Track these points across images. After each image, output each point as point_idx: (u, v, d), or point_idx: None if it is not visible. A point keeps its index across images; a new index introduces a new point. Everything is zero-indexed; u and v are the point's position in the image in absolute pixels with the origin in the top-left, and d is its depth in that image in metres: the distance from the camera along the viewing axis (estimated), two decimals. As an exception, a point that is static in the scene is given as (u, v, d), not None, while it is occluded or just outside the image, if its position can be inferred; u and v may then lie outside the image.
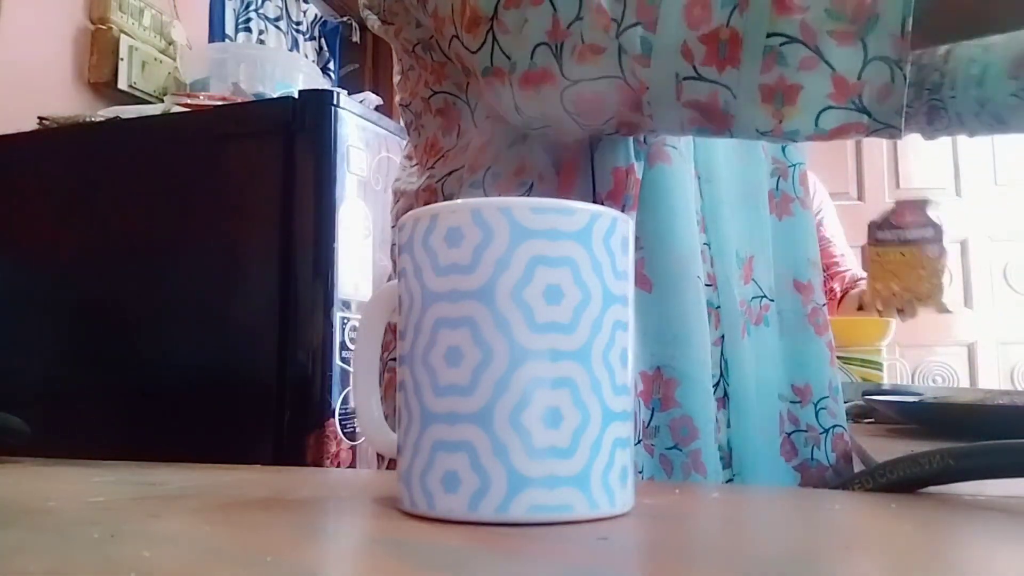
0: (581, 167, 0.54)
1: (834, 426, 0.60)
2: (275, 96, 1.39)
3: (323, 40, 2.72)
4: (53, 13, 1.57)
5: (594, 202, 0.53)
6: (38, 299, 1.24)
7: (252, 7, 2.32)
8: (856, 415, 0.86)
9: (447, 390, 0.28)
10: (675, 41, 0.42)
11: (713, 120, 0.44)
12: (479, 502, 0.27)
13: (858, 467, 0.61)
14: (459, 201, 0.29)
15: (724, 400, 0.56)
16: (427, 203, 0.60)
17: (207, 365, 1.13)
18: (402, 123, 0.69)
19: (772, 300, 0.60)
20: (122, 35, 1.64)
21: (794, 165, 0.64)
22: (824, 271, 1.51)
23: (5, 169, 1.29)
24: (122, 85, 1.63)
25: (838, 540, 0.26)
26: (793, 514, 0.32)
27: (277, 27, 2.45)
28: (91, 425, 1.14)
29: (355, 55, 2.85)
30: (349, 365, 1.11)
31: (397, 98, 0.67)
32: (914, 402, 0.82)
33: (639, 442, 0.52)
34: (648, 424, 0.53)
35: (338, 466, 1.09)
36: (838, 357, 0.65)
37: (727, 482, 0.55)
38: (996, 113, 0.68)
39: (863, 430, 0.78)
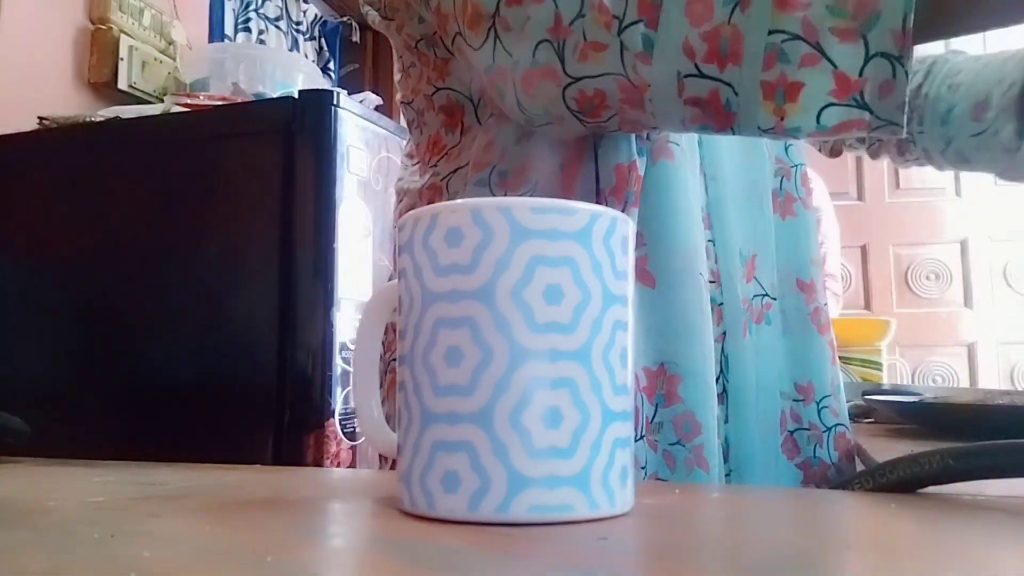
0: (584, 163, 0.54)
1: (836, 424, 0.60)
2: (275, 96, 1.39)
3: (323, 40, 2.72)
4: (53, 13, 1.57)
5: (597, 198, 0.53)
6: (38, 299, 1.24)
7: (252, 7, 2.32)
8: (856, 415, 0.86)
9: (447, 390, 0.28)
10: (677, 38, 0.42)
11: (715, 117, 0.44)
12: (479, 502, 0.27)
13: (858, 467, 0.61)
14: (459, 201, 0.29)
15: (723, 396, 0.56)
16: (431, 201, 0.60)
17: (207, 365, 1.13)
18: (403, 121, 0.69)
19: (774, 299, 0.60)
20: (122, 35, 1.64)
21: (796, 165, 0.64)
22: None
23: (5, 169, 1.29)
24: (122, 85, 1.63)
25: (838, 540, 0.26)
26: (793, 514, 0.32)
27: (277, 27, 2.45)
28: (91, 425, 1.14)
29: (355, 55, 2.85)
30: (349, 365, 1.11)
31: (398, 96, 0.67)
32: (914, 402, 0.82)
33: (642, 438, 0.52)
34: (652, 420, 0.53)
35: (338, 466, 1.09)
36: (838, 357, 0.65)
37: (724, 477, 0.55)
38: (960, 151, 0.70)
39: (863, 430, 0.78)
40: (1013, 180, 0.71)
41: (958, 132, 0.69)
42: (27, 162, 1.30)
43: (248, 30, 2.29)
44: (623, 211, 0.51)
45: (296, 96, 1.17)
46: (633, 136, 0.53)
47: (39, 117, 1.38)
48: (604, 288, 0.29)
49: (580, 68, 0.46)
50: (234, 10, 2.23)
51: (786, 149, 0.64)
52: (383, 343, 0.45)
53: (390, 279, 0.41)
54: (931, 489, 0.34)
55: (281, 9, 2.49)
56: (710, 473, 0.51)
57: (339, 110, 1.15)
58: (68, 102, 1.56)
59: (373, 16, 0.65)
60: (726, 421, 0.56)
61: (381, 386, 0.66)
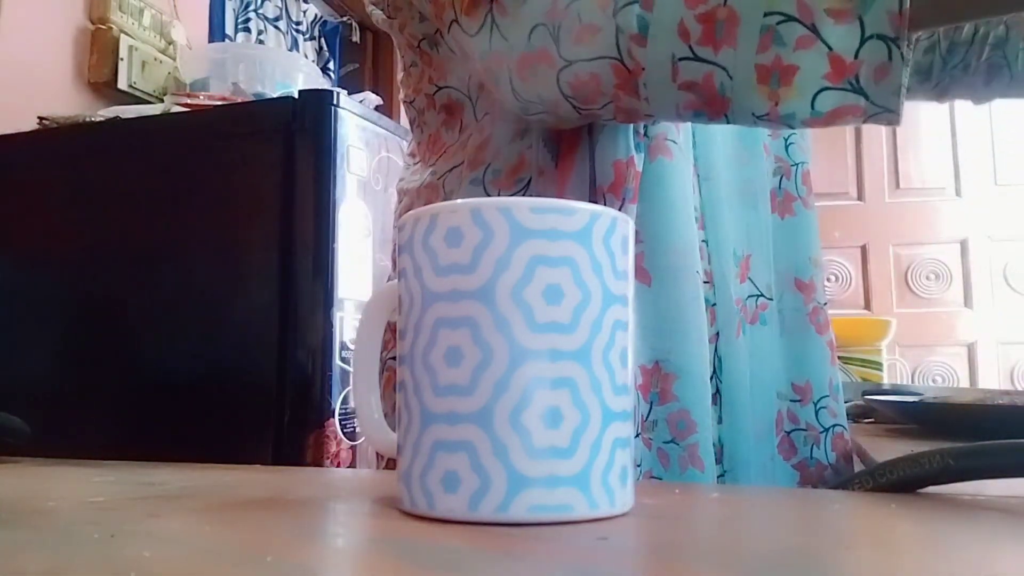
0: (581, 159, 0.54)
1: (834, 425, 0.60)
2: (275, 96, 1.39)
3: (323, 40, 2.71)
4: (53, 13, 1.57)
5: (592, 194, 0.53)
6: (38, 299, 1.24)
7: (252, 7, 2.32)
8: (856, 415, 0.86)
9: (447, 390, 0.28)
10: (672, 20, 0.42)
11: (709, 103, 0.44)
12: (479, 502, 0.27)
13: (858, 467, 0.61)
14: (459, 201, 0.29)
15: (716, 397, 0.56)
16: (428, 200, 0.60)
17: (207, 365, 1.13)
18: (405, 120, 0.69)
19: (770, 299, 0.60)
20: (122, 35, 1.64)
21: (797, 164, 0.64)
22: None
23: (5, 169, 1.29)
24: (122, 85, 1.63)
25: (838, 540, 0.26)
26: (793, 514, 0.32)
27: (277, 27, 2.45)
28: (91, 425, 1.14)
29: (355, 55, 2.85)
30: (349, 365, 1.11)
31: (401, 95, 0.67)
32: (914, 402, 0.82)
33: (637, 435, 0.52)
34: (647, 418, 0.53)
35: (338, 466, 1.09)
36: (838, 357, 0.65)
37: (718, 478, 0.55)
38: None
39: (863, 430, 0.78)
40: None
41: None
42: (27, 162, 1.29)
43: (248, 30, 2.29)
44: (620, 208, 0.51)
45: (296, 96, 1.17)
46: (630, 132, 0.53)
47: (39, 117, 1.38)
48: (604, 288, 0.29)
49: (575, 51, 0.45)
50: (234, 10, 2.23)
51: (787, 147, 0.64)
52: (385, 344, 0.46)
53: (390, 279, 0.41)
54: (931, 489, 0.34)
55: (281, 9, 2.49)
56: (705, 472, 0.51)
57: (339, 110, 1.15)
58: (68, 102, 1.56)
59: (377, 15, 0.65)
60: (719, 422, 0.56)
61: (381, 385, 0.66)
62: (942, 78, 0.72)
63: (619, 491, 0.29)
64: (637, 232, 0.54)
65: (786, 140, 0.64)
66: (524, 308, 0.27)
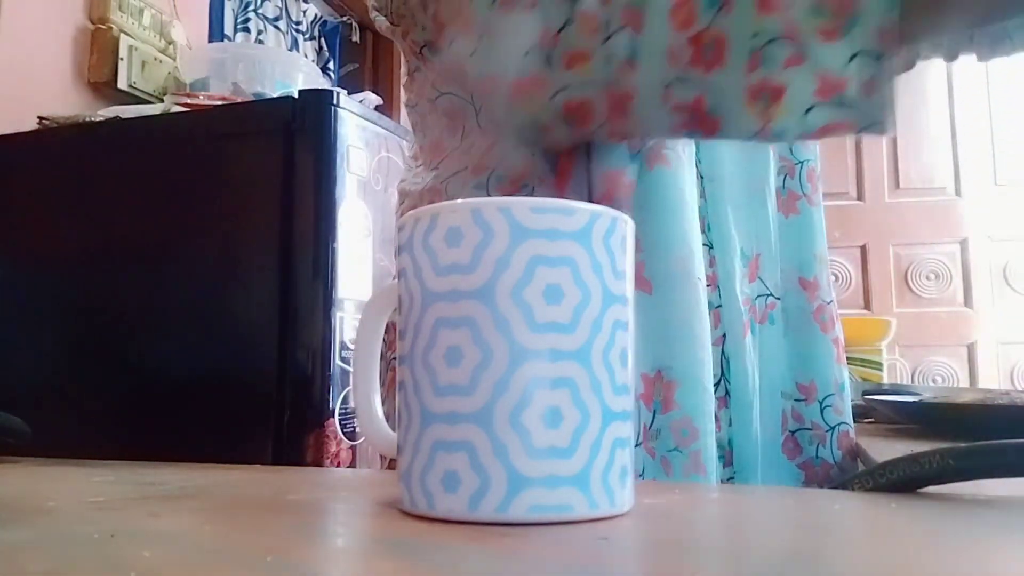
0: (577, 171, 0.54)
1: (840, 424, 0.60)
2: (275, 96, 1.39)
3: (323, 40, 2.71)
4: (53, 13, 1.57)
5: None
6: (38, 299, 1.24)
7: (251, 7, 2.32)
8: (856, 415, 0.86)
9: (447, 390, 0.28)
10: (661, 44, 0.42)
11: (701, 123, 0.44)
12: (479, 502, 0.27)
13: (860, 466, 0.61)
14: (459, 201, 0.29)
15: (726, 399, 0.56)
16: (431, 203, 0.60)
17: (207, 365, 1.13)
18: (405, 120, 0.70)
19: (778, 298, 0.60)
20: (122, 35, 1.64)
21: (801, 162, 0.64)
22: None
23: (5, 169, 1.29)
24: (122, 85, 1.63)
25: (838, 540, 0.26)
26: (793, 514, 0.32)
27: (276, 27, 2.45)
28: (91, 425, 1.14)
29: (355, 55, 2.85)
30: (349, 365, 1.11)
31: (404, 98, 0.67)
32: (914, 402, 0.82)
33: (639, 444, 0.52)
34: (650, 426, 0.53)
35: (338, 466, 1.09)
36: None
37: (727, 480, 0.55)
38: None
39: (863, 430, 0.78)
40: None
41: None
42: (27, 162, 1.29)
43: (247, 30, 2.29)
44: None
45: (296, 96, 1.17)
46: (624, 143, 0.53)
47: (39, 117, 1.38)
48: (604, 288, 0.29)
49: (567, 77, 0.46)
50: (234, 10, 2.23)
51: (790, 146, 0.64)
52: (384, 342, 0.46)
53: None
54: (931, 489, 0.34)
55: (281, 9, 2.49)
56: (707, 477, 0.51)
57: (339, 110, 1.15)
58: (68, 102, 1.56)
59: (381, 21, 0.65)
60: (729, 424, 0.56)
61: (382, 385, 0.66)
62: (951, 44, 0.70)
63: (619, 491, 0.29)
64: (637, 241, 0.54)
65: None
66: (524, 308, 0.27)
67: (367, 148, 1.20)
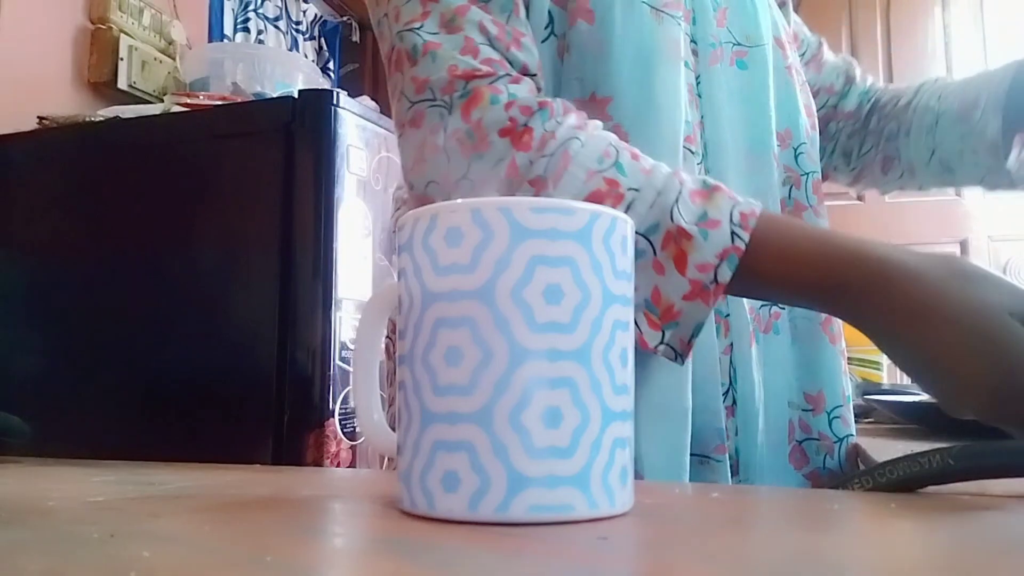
0: None
1: (848, 435, 0.60)
2: (275, 96, 1.39)
3: (323, 40, 2.71)
4: (53, 13, 1.57)
5: None
6: (38, 299, 1.24)
7: (251, 7, 2.31)
8: (856, 415, 0.86)
9: (447, 390, 0.28)
10: None
11: None
12: (479, 502, 0.27)
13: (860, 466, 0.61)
14: (459, 201, 0.29)
15: (732, 408, 0.56)
16: None
17: (207, 365, 1.13)
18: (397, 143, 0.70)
19: (783, 308, 0.60)
20: (122, 35, 1.64)
21: (807, 174, 0.64)
22: None
23: (5, 169, 1.29)
24: (122, 85, 1.63)
25: (837, 540, 0.26)
26: (793, 514, 0.32)
27: (276, 27, 2.45)
28: (91, 425, 1.14)
29: (355, 55, 2.85)
30: (349, 365, 1.11)
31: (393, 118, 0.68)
32: (914, 402, 0.82)
33: None
34: None
35: (338, 466, 1.09)
36: None
37: None
38: (944, 160, 0.72)
39: (863, 430, 0.78)
40: (994, 188, 0.72)
41: (943, 138, 0.72)
42: (27, 162, 1.30)
43: (247, 30, 2.29)
44: None
45: (296, 96, 1.17)
46: None
47: (39, 117, 1.38)
48: (604, 288, 0.28)
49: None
50: (233, 10, 2.23)
51: (796, 157, 0.64)
52: (393, 342, 0.47)
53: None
54: (931, 489, 0.34)
55: (280, 9, 2.49)
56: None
57: (339, 110, 1.15)
58: (68, 102, 1.56)
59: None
60: (736, 433, 0.56)
61: (391, 385, 0.66)
62: (857, 164, 0.82)
63: (619, 491, 0.29)
64: None
65: (795, 150, 0.64)
66: (524, 308, 0.27)
67: (367, 148, 1.20)
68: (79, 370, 1.21)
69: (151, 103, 1.58)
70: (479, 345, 0.27)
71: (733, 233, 0.44)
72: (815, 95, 0.77)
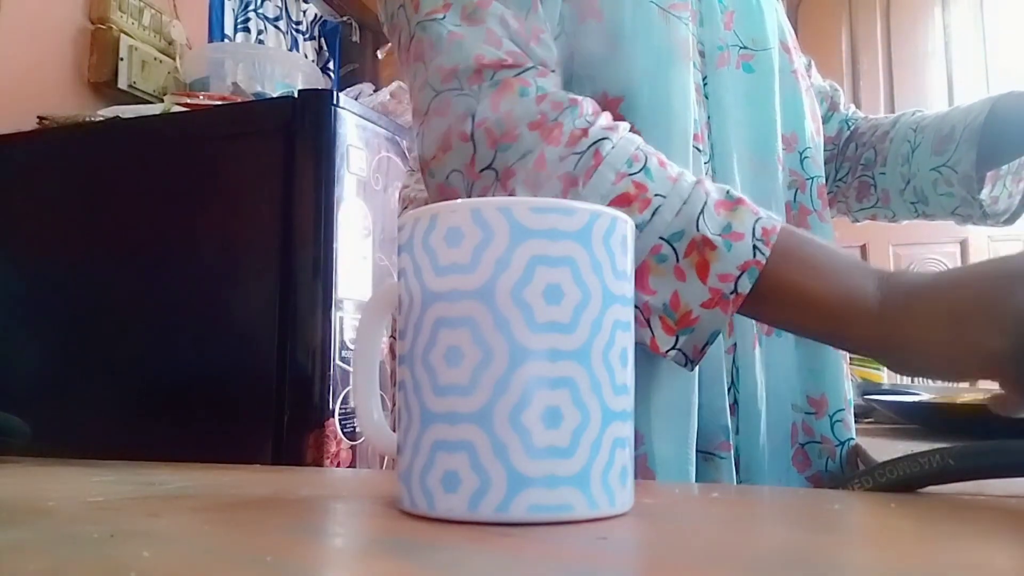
0: None
1: (850, 439, 0.60)
2: (275, 96, 1.39)
3: (323, 40, 2.71)
4: (53, 13, 1.57)
5: None
6: (38, 299, 1.24)
7: (251, 7, 2.32)
8: (856, 415, 0.86)
9: (447, 390, 0.28)
10: None
11: None
12: (479, 502, 0.27)
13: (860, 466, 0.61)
14: (459, 201, 0.29)
15: (734, 407, 0.56)
16: None
17: (207, 365, 1.13)
18: (405, 119, 0.70)
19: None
20: (122, 35, 1.64)
21: (812, 178, 0.64)
22: None
23: (5, 169, 1.29)
24: (122, 85, 1.63)
25: (837, 539, 0.26)
26: (792, 514, 0.32)
27: (276, 27, 2.45)
28: (91, 425, 1.14)
29: (355, 55, 2.85)
30: (349, 365, 1.11)
31: (411, 108, 0.68)
32: (914, 402, 0.82)
33: None
34: None
35: (338, 466, 1.09)
36: None
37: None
38: (918, 189, 0.74)
39: (863, 430, 0.78)
40: (966, 220, 0.73)
41: (919, 168, 0.73)
42: (27, 162, 1.30)
43: (247, 30, 2.29)
44: None
45: (296, 96, 1.17)
46: None
47: (39, 117, 1.38)
48: (604, 288, 0.29)
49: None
50: (233, 10, 2.23)
51: (801, 162, 0.64)
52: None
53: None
54: (931, 489, 0.34)
55: (281, 9, 2.49)
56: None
57: (339, 110, 1.15)
58: (68, 102, 1.56)
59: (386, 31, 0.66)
60: (736, 432, 0.56)
61: (393, 385, 0.66)
62: (832, 189, 0.84)
63: (619, 491, 0.29)
64: None
65: (801, 154, 0.64)
66: (524, 308, 0.27)
67: (367, 148, 1.20)
68: (79, 370, 1.21)
69: (151, 103, 1.58)
70: (479, 345, 0.27)
71: (755, 247, 0.44)
72: None
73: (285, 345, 1.09)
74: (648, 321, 0.46)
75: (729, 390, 0.56)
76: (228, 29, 2.19)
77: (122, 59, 1.63)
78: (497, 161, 0.49)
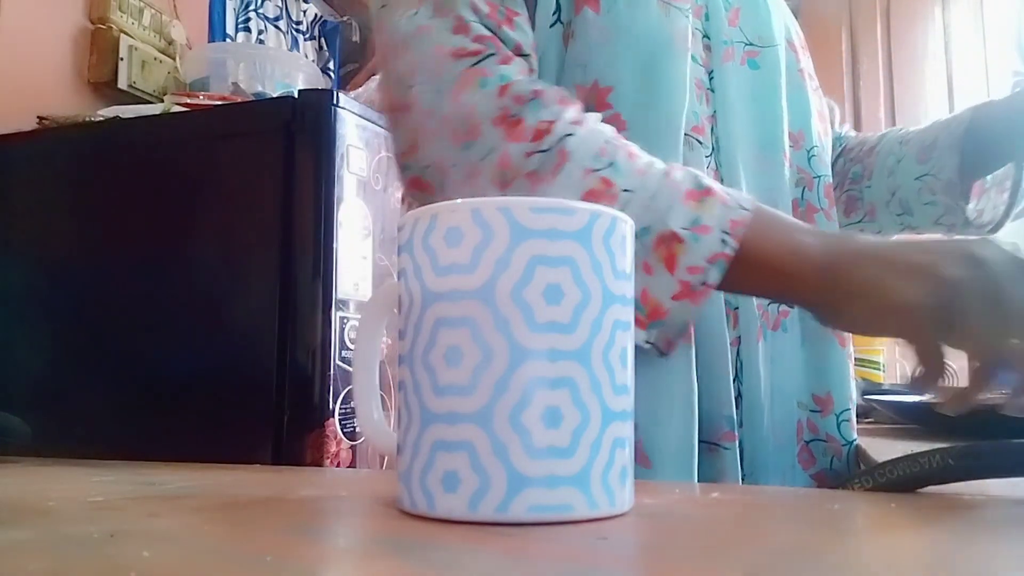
0: None
1: (855, 440, 0.60)
2: (275, 96, 1.39)
3: (323, 40, 2.71)
4: (53, 13, 1.57)
5: None
6: (38, 299, 1.24)
7: (252, 7, 2.31)
8: (856, 415, 0.86)
9: (447, 390, 0.28)
10: None
11: None
12: (479, 502, 0.27)
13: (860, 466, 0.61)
14: (459, 201, 0.29)
15: (739, 400, 0.56)
16: None
17: (207, 365, 1.13)
18: (387, 127, 0.71)
19: (792, 307, 0.60)
20: (122, 35, 1.64)
21: (819, 176, 0.64)
22: None
23: (5, 169, 1.29)
24: (122, 85, 1.63)
25: (838, 540, 0.26)
26: (793, 513, 0.32)
27: (277, 27, 2.45)
28: (91, 425, 1.14)
29: (355, 55, 2.85)
30: (349, 365, 1.11)
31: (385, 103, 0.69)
32: (914, 402, 0.82)
33: None
34: None
35: (338, 466, 1.09)
36: None
37: (740, 480, 0.55)
38: (903, 201, 0.75)
39: (863, 430, 0.78)
40: (951, 229, 0.74)
41: (904, 179, 0.74)
42: (27, 162, 1.29)
43: (248, 30, 2.29)
44: None
45: (296, 96, 1.17)
46: None
47: (39, 117, 1.38)
48: (604, 288, 0.28)
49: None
50: (234, 10, 2.23)
51: (808, 160, 0.64)
52: None
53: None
54: (931, 489, 0.34)
55: (281, 9, 2.49)
56: (652, 470, 0.51)
57: (339, 110, 1.15)
58: (68, 102, 1.56)
59: None
60: (740, 425, 0.56)
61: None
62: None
63: (619, 491, 0.29)
64: None
65: (808, 152, 0.64)
66: (524, 308, 0.27)
67: (367, 148, 1.20)
68: (79, 370, 1.21)
69: (151, 103, 1.58)
70: (479, 345, 0.27)
71: (723, 240, 0.45)
72: None
73: (285, 345, 1.09)
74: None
75: (734, 382, 0.56)
76: (229, 29, 2.19)
77: (122, 59, 1.63)
78: (464, 159, 0.49)
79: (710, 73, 0.60)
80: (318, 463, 1.06)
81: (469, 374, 0.27)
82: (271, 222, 1.12)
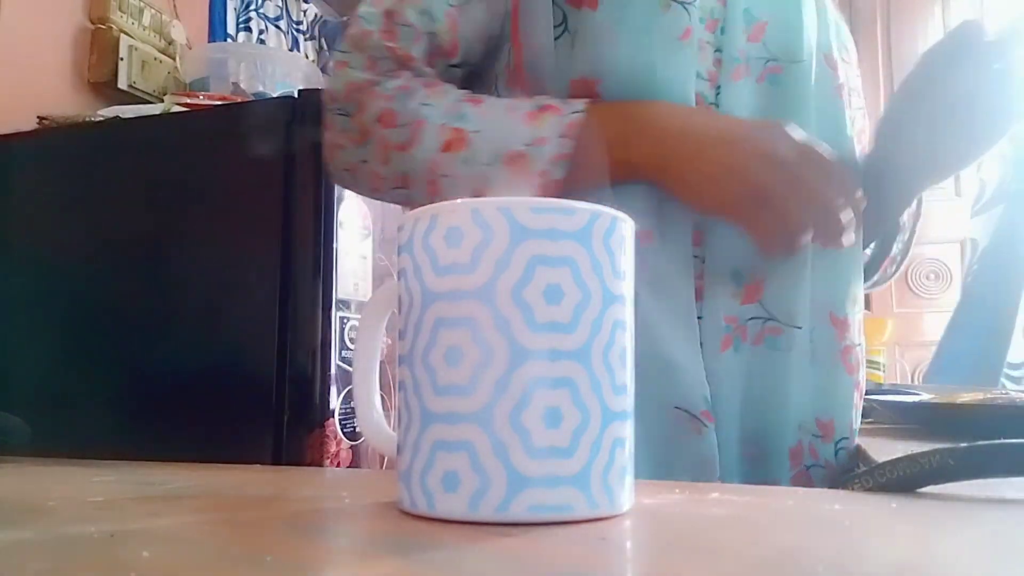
0: None
1: (851, 468, 0.59)
2: (275, 96, 1.39)
3: (323, 40, 2.71)
4: (53, 13, 1.57)
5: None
6: (38, 299, 1.24)
7: (252, 7, 2.31)
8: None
9: (447, 390, 0.28)
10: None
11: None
12: (479, 502, 0.27)
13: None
14: (459, 201, 0.29)
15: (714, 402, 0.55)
16: None
17: (207, 365, 1.13)
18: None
19: (796, 327, 0.58)
20: (122, 35, 1.64)
21: None
22: None
23: (5, 169, 1.29)
24: (122, 85, 1.63)
25: (838, 540, 0.26)
26: (793, 514, 0.32)
27: (277, 27, 2.45)
28: (91, 425, 1.14)
29: (355, 55, 2.84)
30: (349, 365, 1.11)
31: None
32: (914, 402, 0.82)
33: None
34: None
35: (338, 466, 1.09)
36: None
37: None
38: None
39: (863, 430, 0.78)
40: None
41: None
42: (27, 162, 1.29)
43: (248, 30, 2.29)
44: None
45: (296, 95, 1.17)
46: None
47: (39, 117, 1.38)
48: (604, 288, 0.29)
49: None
50: (235, 10, 2.23)
51: None
52: None
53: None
54: (931, 489, 0.34)
55: (281, 9, 2.49)
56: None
57: (339, 110, 1.14)
58: (68, 102, 1.56)
59: None
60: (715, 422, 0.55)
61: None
62: None
63: (619, 491, 0.29)
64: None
65: None
66: (524, 308, 0.27)
67: (367, 148, 1.20)
68: (79, 370, 1.21)
69: (151, 103, 1.58)
70: (479, 345, 0.27)
71: (559, 144, 0.53)
72: None
73: (285, 345, 1.09)
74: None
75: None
76: (230, 29, 2.19)
77: (122, 59, 1.63)
78: (362, 155, 0.64)
79: (718, 88, 0.58)
80: (318, 463, 1.06)
81: (469, 374, 0.27)
82: (271, 222, 1.12)
